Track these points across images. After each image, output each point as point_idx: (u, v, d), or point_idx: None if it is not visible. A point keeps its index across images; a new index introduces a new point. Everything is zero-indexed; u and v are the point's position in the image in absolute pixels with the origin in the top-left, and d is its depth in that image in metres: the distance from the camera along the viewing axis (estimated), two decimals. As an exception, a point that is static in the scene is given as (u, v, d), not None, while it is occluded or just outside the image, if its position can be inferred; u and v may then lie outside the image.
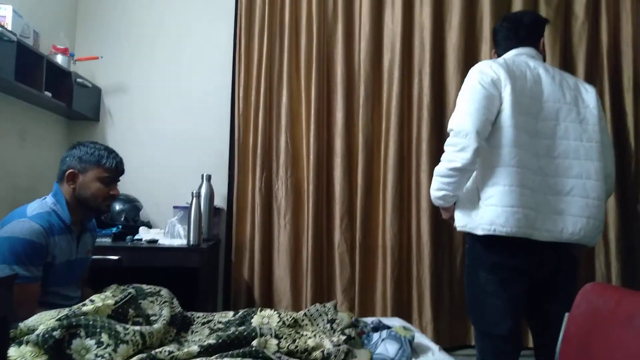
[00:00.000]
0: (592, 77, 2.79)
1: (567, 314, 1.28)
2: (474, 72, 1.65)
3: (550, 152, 1.59)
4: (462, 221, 1.65)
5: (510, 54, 1.76)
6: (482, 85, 1.58)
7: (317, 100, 2.67)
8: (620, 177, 2.74)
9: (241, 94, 2.69)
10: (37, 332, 1.20)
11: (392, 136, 2.66)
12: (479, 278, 1.64)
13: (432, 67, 2.69)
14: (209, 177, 2.48)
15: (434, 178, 1.67)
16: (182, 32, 2.80)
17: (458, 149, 1.55)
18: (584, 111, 1.64)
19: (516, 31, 1.77)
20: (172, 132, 2.75)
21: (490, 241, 1.57)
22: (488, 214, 1.55)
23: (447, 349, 1.59)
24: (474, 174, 1.63)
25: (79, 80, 2.42)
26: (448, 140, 1.60)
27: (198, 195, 2.24)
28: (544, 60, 1.81)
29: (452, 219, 1.73)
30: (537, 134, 1.59)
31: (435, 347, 1.55)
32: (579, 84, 1.72)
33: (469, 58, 2.75)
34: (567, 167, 1.59)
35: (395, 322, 1.76)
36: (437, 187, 1.67)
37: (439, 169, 1.64)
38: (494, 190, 1.55)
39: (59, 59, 2.33)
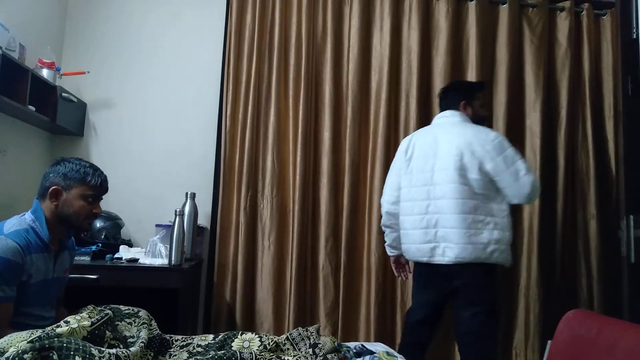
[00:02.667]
0: (574, 104, 2.86)
1: (549, 341, 1.28)
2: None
3: (445, 195, 2.00)
4: None
5: (434, 120, 2.25)
6: (396, 159, 2.28)
7: (304, 120, 2.68)
8: (602, 203, 2.79)
9: (228, 112, 2.69)
10: (6, 354, 1.15)
11: (379, 157, 2.67)
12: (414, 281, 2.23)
13: (419, 90, 2.73)
14: (193, 195, 2.45)
15: None
16: (171, 50, 2.80)
17: (382, 212, 2.28)
18: (469, 158, 1.98)
19: (443, 97, 2.27)
20: (157, 149, 2.72)
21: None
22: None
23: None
24: None
25: (64, 94, 2.39)
26: None
27: (181, 214, 2.20)
28: (474, 118, 2.15)
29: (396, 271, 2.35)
30: (432, 182, 2.04)
31: (418, 374, 1.53)
32: (474, 136, 2.01)
33: (455, 82, 2.79)
34: (448, 206, 1.98)
35: (379, 347, 1.73)
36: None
37: None
38: (400, 232, 2.20)
39: (45, 73, 2.31)
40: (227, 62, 2.73)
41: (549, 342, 1.29)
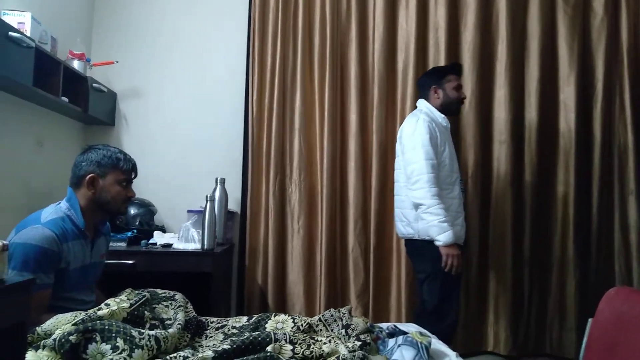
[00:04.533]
0: (611, 75, 2.75)
1: (590, 320, 1.25)
2: None
3: (397, 178, 2.25)
4: None
5: None
6: None
7: (330, 103, 2.66)
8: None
9: (255, 97, 2.69)
10: (53, 336, 1.21)
11: (407, 138, 2.63)
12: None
13: (447, 68, 2.65)
14: (222, 181, 2.48)
15: None
16: (196, 37, 2.81)
17: None
18: (400, 146, 2.21)
19: (418, 85, 2.36)
20: (186, 136, 2.76)
21: None
22: None
23: (462, 355, 1.57)
24: None
25: (94, 85, 2.44)
26: None
27: (212, 199, 2.23)
28: (446, 101, 2.21)
29: None
30: (396, 168, 2.26)
31: (452, 354, 1.52)
32: (404, 126, 2.20)
33: (485, 57, 2.72)
34: (396, 188, 2.26)
35: (411, 328, 1.73)
36: None
37: None
38: None
39: (76, 64, 2.36)
40: (252, 47, 2.72)
41: (590, 320, 1.25)
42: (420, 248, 2.13)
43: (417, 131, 2.08)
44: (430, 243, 2.06)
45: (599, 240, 2.70)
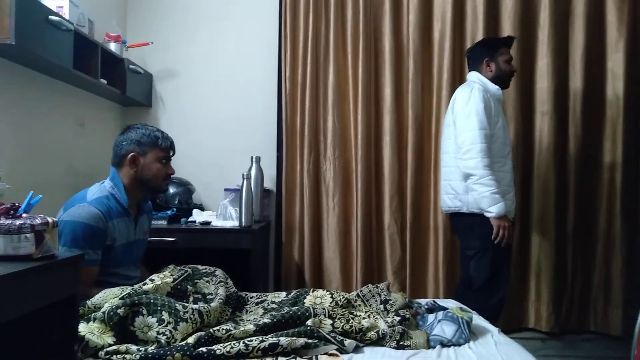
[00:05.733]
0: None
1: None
2: None
3: (446, 149, 2.19)
4: None
5: None
6: None
7: (364, 77, 2.61)
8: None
9: (287, 74, 2.67)
10: (102, 309, 1.26)
11: (444, 112, 2.54)
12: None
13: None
14: (258, 159, 2.49)
15: None
16: (228, 15, 2.79)
17: None
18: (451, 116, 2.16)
19: (469, 57, 2.30)
20: (221, 115, 2.78)
21: None
22: None
23: (503, 331, 1.54)
24: None
25: (131, 66, 2.47)
26: None
27: (248, 177, 2.25)
28: (498, 74, 2.16)
29: None
30: (446, 139, 2.20)
31: (494, 329, 1.50)
32: (457, 96, 2.14)
33: (526, 25, 2.60)
34: (445, 160, 2.21)
35: (451, 304, 1.71)
36: None
37: None
38: None
39: (112, 46, 2.38)
40: (284, 23, 2.68)
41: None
42: (469, 224, 2.08)
43: (471, 100, 2.02)
44: (479, 218, 2.01)
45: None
